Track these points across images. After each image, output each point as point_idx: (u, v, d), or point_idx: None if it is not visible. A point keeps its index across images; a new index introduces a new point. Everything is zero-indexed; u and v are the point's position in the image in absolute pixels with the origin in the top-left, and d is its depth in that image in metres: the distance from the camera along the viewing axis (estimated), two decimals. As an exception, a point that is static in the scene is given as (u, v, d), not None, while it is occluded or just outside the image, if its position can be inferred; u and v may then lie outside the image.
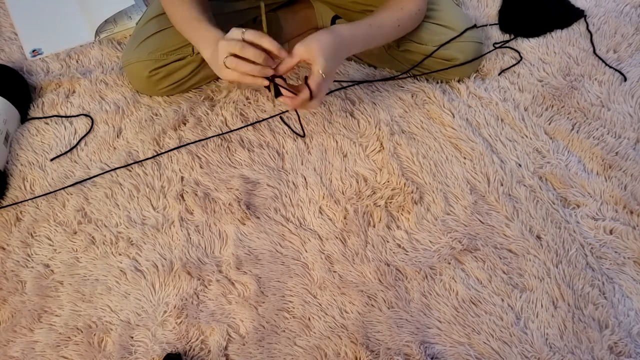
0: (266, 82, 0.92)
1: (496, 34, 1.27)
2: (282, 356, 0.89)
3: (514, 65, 1.21)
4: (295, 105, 0.94)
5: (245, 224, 1.02)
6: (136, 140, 1.13)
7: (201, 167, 1.09)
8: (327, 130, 1.13)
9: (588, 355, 0.87)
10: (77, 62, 1.27)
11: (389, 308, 0.92)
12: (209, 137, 1.12)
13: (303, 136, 1.11)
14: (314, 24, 1.28)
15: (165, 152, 1.11)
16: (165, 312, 0.93)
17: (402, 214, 1.02)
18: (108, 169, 1.09)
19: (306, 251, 0.99)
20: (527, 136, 1.11)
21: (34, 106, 1.19)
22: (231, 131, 1.13)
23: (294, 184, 1.06)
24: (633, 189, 1.03)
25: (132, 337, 0.91)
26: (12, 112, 1.14)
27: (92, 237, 1.01)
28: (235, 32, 0.90)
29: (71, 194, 1.06)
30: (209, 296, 0.95)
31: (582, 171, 1.06)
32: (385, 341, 0.90)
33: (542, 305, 0.91)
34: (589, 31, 1.26)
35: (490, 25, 1.28)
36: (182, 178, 1.08)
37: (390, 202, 1.04)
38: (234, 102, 1.17)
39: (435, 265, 0.96)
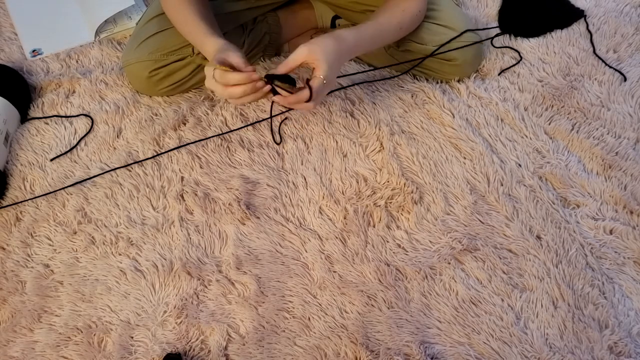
0: (264, 92, 0.91)
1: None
2: (282, 356, 0.89)
3: (514, 65, 1.21)
4: (290, 103, 0.93)
5: (245, 224, 1.02)
6: (136, 140, 1.13)
7: (201, 167, 1.09)
8: (327, 130, 1.13)
9: (588, 355, 0.87)
10: (77, 62, 1.27)
11: (389, 308, 0.92)
12: (209, 137, 1.12)
13: (278, 144, 1.11)
14: (314, 24, 1.28)
15: (165, 152, 1.11)
16: (165, 312, 0.93)
17: (402, 214, 1.02)
18: (108, 169, 1.09)
19: (306, 251, 0.99)
20: (527, 136, 1.11)
21: (34, 106, 1.19)
22: (231, 131, 1.13)
23: (294, 184, 1.06)
24: (633, 189, 1.03)
25: (132, 337, 0.91)
26: (12, 112, 1.14)
27: (92, 237, 1.01)
28: (208, 71, 0.91)
29: (71, 194, 1.06)
30: (209, 296, 0.95)
31: (582, 171, 1.06)
32: (385, 341, 0.90)
33: (542, 305, 0.91)
34: (589, 31, 1.26)
35: (488, 32, 1.28)
36: (182, 178, 1.08)
37: (390, 202, 1.04)
38: (234, 102, 1.17)
39: (435, 265, 0.96)
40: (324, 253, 0.98)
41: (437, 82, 1.19)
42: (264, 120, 1.14)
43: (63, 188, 1.07)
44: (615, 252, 0.96)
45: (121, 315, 0.93)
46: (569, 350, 0.87)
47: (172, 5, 1.04)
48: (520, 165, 1.07)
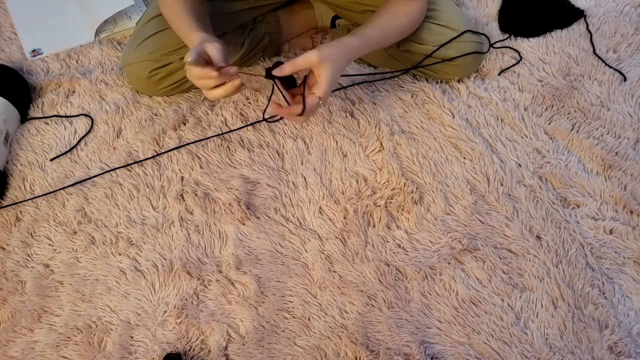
0: (235, 87, 0.90)
1: (496, 34, 1.27)
2: (282, 356, 0.89)
3: (513, 65, 1.21)
4: (281, 113, 0.94)
5: (245, 224, 1.02)
6: (136, 140, 1.13)
7: (201, 167, 1.09)
8: (327, 130, 1.13)
9: (588, 355, 0.87)
10: (77, 62, 1.27)
11: (389, 308, 0.92)
12: (209, 137, 1.12)
13: (268, 120, 1.10)
14: (314, 24, 1.28)
15: (165, 152, 1.11)
16: (165, 312, 0.93)
17: (402, 214, 1.02)
18: (108, 169, 1.09)
19: (306, 251, 0.99)
20: (527, 136, 1.11)
21: (34, 106, 1.19)
22: (231, 131, 1.13)
23: (294, 184, 1.06)
24: (633, 189, 1.03)
25: (132, 337, 0.91)
26: (12, 112, 1.14)
27: (92, 237, 1.01)
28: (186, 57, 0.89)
29: (71, 194, 1.06)
30: (209, 296, 0.95)
31: (582, 171, 1.06)
32: (385, 341, 0.90)
33: (542, 305, 0.91)
34: (589, 31, 1.26)
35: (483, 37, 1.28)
36: (182, 178, 1.08)
37: (390, 202, 1.04)
38: (234, 102, 1.17)
39: (435, 265, 0.96)
40: (324, 253, 0.98)
41: (437, 82, 1.19)
42: (263, 120, 1.14)
43: (63, 188, 1.07)
44: (615, 252, 0.96)
45: (121, 315, 0.93)
46: (569, 350, 0.87)
47: (166, 4, 1.04)
48: (520, 165, 1.07)
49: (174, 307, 0.93)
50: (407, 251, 0.98)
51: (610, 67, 1.20)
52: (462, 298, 0.93)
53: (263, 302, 0.94)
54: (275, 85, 0.91)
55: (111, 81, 1.22)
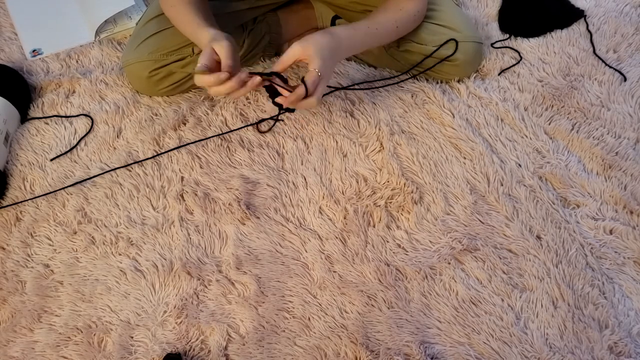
0: (251, 86, 0.91)
1: (496, 34, 1.27)
2: (282, 356, 0.89)
3: (514, 65, 1.21)
4: (291, 103, 0.94)
5: (245, 224, 1.02)
6: (136, 140, 1.13)
7: (201, 167, 1.09)
8: (327, 130, 1.13)
9: (588, 355, 0.87)
10: (77, 62, 1.27)
11: (389, 308, 0.92)
12: (209, 137, 1.12)
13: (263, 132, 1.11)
14: (314, 24, 1.28)
15: (165, 152, 1.11)
16: (165, 312, 0.93)
17: (402, 214, 1.02)
18: (108, 169, 1.09)
19: (306, 251, 0.99)
20: (527, 136, 1.11)
21: (34, 106, 1.19)
22: (231, 131, 1.13)
23: (294, 184, 1.06)
24: (633, 189, 1.03)
25: (132, 337, 0.91)
26: (12, 112, 1.14)
27: (92, 237, 1.01)
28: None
29: (71, 194, 1.06)
30: (209, 296, 0.95)
31: (582, 171, 1.06)
32: (385, 341, 0.90)
33: (542, 305, 0.91)
34: (589, 31, 1.26)
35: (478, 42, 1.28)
36: (182, 178, 1.08)
37: (390, 202, 1.04)
38: (234, 102, 1.17)
39: (435, 265, 0.96)
40: (324, 253, 0.98)
41: (437, 82, 1.19)
42: (264, 120, 1.14)
43: (63, 188, 1.07)
44: (615, 252, 0.96)
45: (121, 315, 0.93)
46: (569, 350, 0.87)
47: (169, 3, 1.04)
48: (520, 165, 1.07)
49: (174, 307, 0.93)
50: (407, 251, 0.98)
51: (611, 67, 1.20)
52: (462, 298, 0.93)
53: (263, 302, 0.94)
54: (273, 91, 0.93)
55: (111, 81, 1.22)
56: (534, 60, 1.22)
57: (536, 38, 1.26)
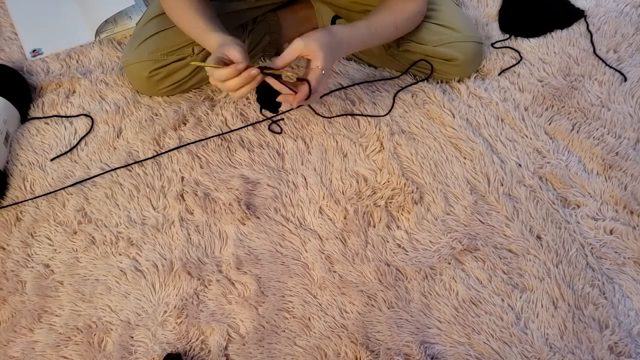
0: (258, 80, 0.92)
1: (496, 34, 1.27)
2: (282, 356, 0.89)
3: (514, 65, 1.21)
4: (297, 102, 0.94)
5: (245, 224, 1.02)
6: (136, 140, 1.13)
7: (201, 167, 1.09)
8: (327, 130, 1.13)
9: (588, 355, 0.87)
10: (77, 62, 1.27)
11: (389, 308, 0.92)
12: (209, 137, 1.12)
13: (279, 133, 1.12)
14: (314, 24, 1.28)
15: (165, 152, 1.11)
16: (165, 312, 0.93)
17: (402, 214, 1.02)
18: (108, 169, 1.09)
19: (306, 251, 0.99)
20: (527, 136, 1.11)
21: (34, 106, 1.19)
22: (231, 131, 1.13)
23: (294, 184, 1.06)
24: (633, 189, 1.03)
25: (132, 337, 0.91)
26: (12, 112, 1.14)
27: (92, 237, 1.01)
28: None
29: (71, 194, 1.06)
30: (209, 296, 0.94)
31: (582, 171, 1.06)
32: (385, 341, 0.90)
33: (542, 305, 0.91)
34: (589, 31, 1.26)
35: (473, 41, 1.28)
36: (182, 178, 1.08)
37: (390, 202, 1.04)
38: (234, 102, 1.17)
39: (435, 265, 0.96)
40: (324, 253, 0.98)
41: (437, 82, 1.19)
42: (264, 120, 1.14)
43: (63, 188, 1.07)
44: (616, 252, 0.96)
45: (121, 315, 0.93)
46: (569, 350, 0.87)
47: (172, 5, 1.04)
48: (520, 165, 1.07)
49: (174, 307, 0.93)
50: (407, 251, 0.98)
51: (611, 67, 1.20)
52: (462, 298, 0.93)
53: (263, 302, 0.94)
54: (263, 100, 0.95)
55: (111, 81, 1.22)
56: (534, 60, 1.22)
57: (536, 38, 1.26)
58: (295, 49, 0.93)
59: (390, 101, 1.16)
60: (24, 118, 1.17)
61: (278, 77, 0.93)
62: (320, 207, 1.03)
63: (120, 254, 0.99)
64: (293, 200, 1.04)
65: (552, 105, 1.15)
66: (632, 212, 1.01)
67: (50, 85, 1.22)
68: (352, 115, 1.14)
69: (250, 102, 1.17)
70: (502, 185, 1.04)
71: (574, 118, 1.13)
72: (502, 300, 0.92)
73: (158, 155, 1.10)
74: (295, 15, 1.26)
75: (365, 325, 0.91)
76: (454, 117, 1.13)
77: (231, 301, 0.94)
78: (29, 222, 1.03)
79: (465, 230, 0.99)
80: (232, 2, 1.15)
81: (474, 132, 1.11)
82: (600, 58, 1.21)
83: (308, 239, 1.00)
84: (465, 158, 1.08)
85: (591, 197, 1.02)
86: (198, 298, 0.94)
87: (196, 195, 1.05)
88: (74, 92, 1.21)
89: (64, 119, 1.17)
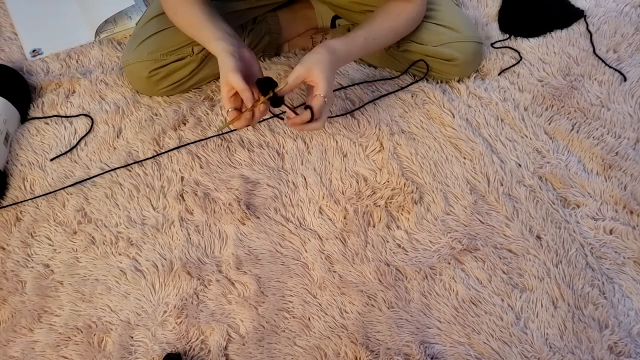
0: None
1: (496, 34, 1.27)
2: (282, 356, 0.89)
3: (514, 65, 1.21)
4: (294, 125, 0.95)
5: (245, 224, 1.02)
6: (136, 140, 1.13)
7: (201, 167, 1.09)
8: (327, 130, 1.13)
9: (588, 355, 0.87)
10: (77, 62, 1.27)
11: (389, 308, 0.92)
12: (209, 137, 1.12)
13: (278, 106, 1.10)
14: (314, 24, 1.28)
15: (165, 152, 1.11)
16: (165, 312, 0.93)
17: (402, 214, 1.02)
18: (108, 169, 1.09)
19: (306, 251, 0.99)
20: (527, 136, 1.11)
21: (34, 106, 1.19)
22: (231, 131, 1.13)
23: (294, 184, 1.06)
24: (633, 189, 1.03)
25: (132, 337, 0.91)
26: (12, 112, 1.14)
27: (92, 237, 1.01)
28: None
29: (71, 194, 1.06)
30: (209, 296, 0.95)
31: (582, 171, 1.06)
32: (385, 341, 0.90)
33: (542, 305, 0.91)
34: (589, 31, 1.26)
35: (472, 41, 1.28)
36: (182, 178, 1.08)
37: (390, 202, 1.04)
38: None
39: (435, 265, 0.96)
40: (324, 253, 0.98)
41: (437, 82, 1.19)
42: (263, 120, 1.14)
43: (63, 188, 1.07)
44: (615, 252, 0.96)
45: (121, 315, 0.93)
46: (569, 350, 0.87)
47: (173, 8, 1.04)
48: (520, 165, 1.07)
49: (174, 307, 0.93)
50: (407, 251, 0.98)
51: (610, 67, 1.20)
52: (462, 298, 0.93)
53: (263, 302, 0.94)
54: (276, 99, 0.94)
55: (111, 81, 1.22)
56: (534, 60, 1.22)
57: (536, 38, 1.26)
58: (298, 77, 0.93)
59: (391, 101, 1.16)
60: (24, 118, 1.17)
61: (280, 99, 0.93)
62: (320, 207, 1.03)
63: (120, 254, 0.99)
64: (293, 200, 1.04)
65: (552, 105, 1.15)
66: (631, 212, 1.01)
67: (50, 85, 1.22)
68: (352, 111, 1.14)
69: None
70: (501, 185, 1.04)
71: (573, 118, 1.13)
72: (502, 300, 0.92)
73: (158, 155, 1.10)
74: (295, 15, 1.26)
75: (365, 325, 0.91)
76: (453, 117, 1.13)
77: (231, 301, 0.94)
78: (29, 222, 1.03)
79: (465, 230, 0.99)
80: (232, 2, 1.15)
81: (474, 132, 1.11)
82: (600, 58, 1.21)
83: (308, 239, 1.00)
84: (465, 158, 1.08)
85: (591, 197, 1.03)
86: (198, 298, 0.94)
87: (196, 195, 1.05)
88: (74, 92, 1.21)
89: (63, 119, 1.17)
